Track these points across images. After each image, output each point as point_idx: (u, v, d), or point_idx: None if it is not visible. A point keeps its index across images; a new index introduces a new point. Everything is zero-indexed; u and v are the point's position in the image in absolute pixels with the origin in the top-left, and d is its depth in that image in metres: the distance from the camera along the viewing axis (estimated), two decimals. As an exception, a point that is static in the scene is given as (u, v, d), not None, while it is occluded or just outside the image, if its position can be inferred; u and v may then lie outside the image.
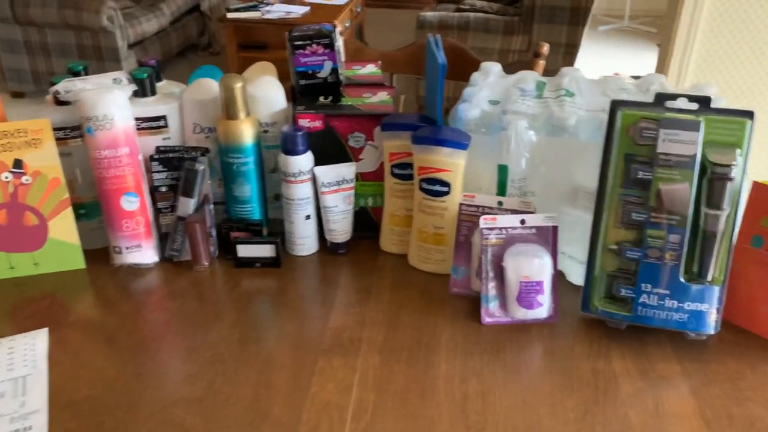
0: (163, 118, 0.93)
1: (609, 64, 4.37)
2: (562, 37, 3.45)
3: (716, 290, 0.77)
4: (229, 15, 3.66)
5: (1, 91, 3.85)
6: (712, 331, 0.78)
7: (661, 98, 0.78)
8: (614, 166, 0.79)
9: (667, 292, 0.77)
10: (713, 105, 0.77)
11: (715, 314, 0.77)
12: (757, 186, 0.77)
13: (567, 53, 3.50)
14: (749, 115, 0.76)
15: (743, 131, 0.76)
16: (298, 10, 3.75)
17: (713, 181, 0.75)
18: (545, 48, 1.48)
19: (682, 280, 0.76)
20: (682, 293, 0.77)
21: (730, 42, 1.86)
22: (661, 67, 1.98)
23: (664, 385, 0.74)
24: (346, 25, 3.85)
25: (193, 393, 0.73)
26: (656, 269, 0.77)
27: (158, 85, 0.97)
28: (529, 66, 1.49)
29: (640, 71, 4.17)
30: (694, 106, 0.77)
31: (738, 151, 0.75)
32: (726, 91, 1.95)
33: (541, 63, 1.49)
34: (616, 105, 0.79)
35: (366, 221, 1.00)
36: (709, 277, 0.77)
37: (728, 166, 0.74)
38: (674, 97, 0.79)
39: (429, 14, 3.49)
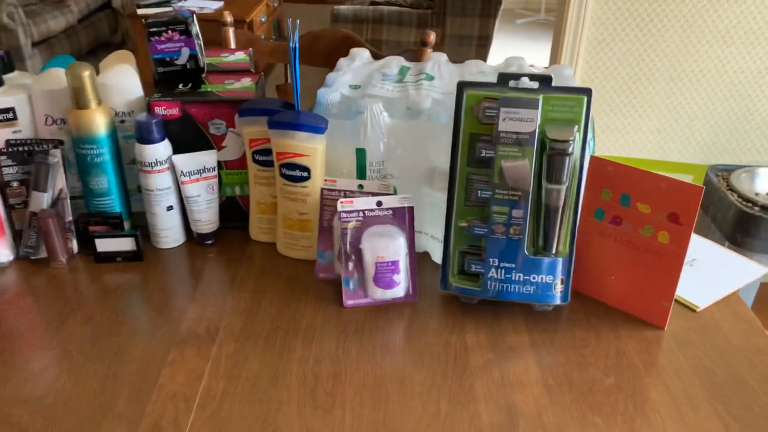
0: (11, 110, 0.89)
1: (526, 57, 4.47)
2: (475, 30, 3.52)
3: (560, 262, 0.79)
4: (140, 11, 3.56)
5: None
6: (558, 302, 0.80)
7: (505, 78, 0.80)
8: (462, 146, 0.80)
9: (513, 265, 0.79)
10: (564, 84, 0.80)
11: (561, 285, 0.80)
12: (595, 160, 0.80)
13: (480, 45, 3.56)
14: (587, 92, 0.79)
15: (581, 108, 0.78)
16: (211, 5, 3.68)
17: (552, 156, 0.77)
18: (432, 36, 1.50)
19: (527, 253, 0.79)
20: (527, 267, 0.79)
21: (617, 29, 1.93)
22: (554, 56, 2.04)
23: (512, 356, 0.76)
24: (262, 19, 3.80)
25: (35, 392, 0.71)
26: (502, 244, 0.79)
27: (9, 76, 0.93)
28: (417, 55, 1.51)
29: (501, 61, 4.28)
30: (535, 85, 0.79)
31: (576, 127, 0.78)
32: (615, 78, 2.03)
33: (428, 51, 1.50)
34: (462, 86, 0.80)
35: (235, 210, 0.98)
36: (554, 250, 0.79)
37: (566, 141, 0.77)
38: (517, 76, 0.81)
39: (343, 8, 3.49)
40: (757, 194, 1.96)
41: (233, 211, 0.98)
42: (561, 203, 0.78)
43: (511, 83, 0.80)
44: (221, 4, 3.76)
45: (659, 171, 0.77)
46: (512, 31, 5.07)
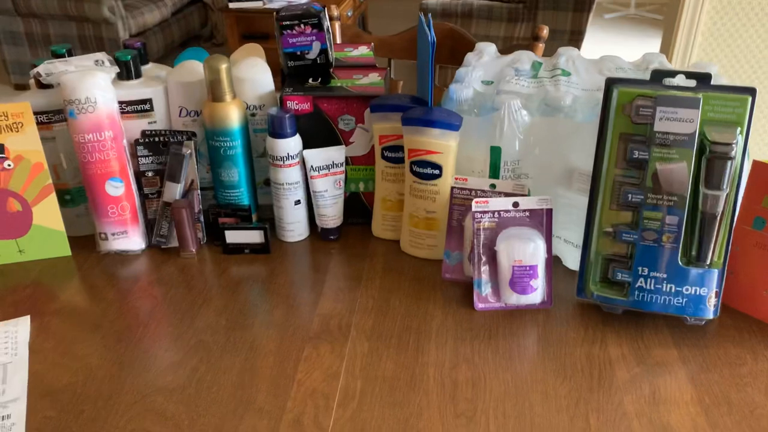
0: (149, 101, 0.91)
1: (615, 51, 4.31)
2: (567, 24, 3.41)
3: (715, 274, 0.74)
4: (231, 5, 3.63)
5: (4, 84, 3.84)
6: (711, 316, 0.75)
7: (659, 75, 0.75)
8: (610, 146, 0.76)
9: (665, 275, 0.74)
10: (713, 83, 0.74)
11: (714, 299, 0.75)
12: (757, 165, 0.74)
13: (572, 40, 3.46)
14: (750, 92, 0.73)
15: (744, 109, 0.73)
16: (300, 0, 3.72)
17: (712, 160, 0.72)
18: (545, 31, 1.45)
19: (680, 263, 0.74)
20: (680, 277, 0.74)
21: (735, 24, 1.82)
22: (666, 50, 1.94)
23: (661, 371, 0.72)
24: (348, 14, 3.81)
25: (176, 381, 0.71)
26: (653, 252, 0.74)
27: (144, 68, 0.95)
28: (529, 50, 1.46)
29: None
30: (693, 83, 0.74)
31: (738, 129, 0.72)
32: (731, 74, 1.91)
33: (541, 46, 1.46)
34: (611, 83, 0.76)
35: (358, 206, 0.97)
36: (708, 261, 0.74)
37: (728, 144, 0.71)
38: (672, 74, 0.76)
39: (432, 2, 3.45)
40: None
41: (356, 207, 0.97)
42: (719, 210, 0.73)
43: (666, 81, 0.75)
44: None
45: (831, 179, 0.71)
46: (600, 26, 4.91)
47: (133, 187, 0.90)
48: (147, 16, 3.85)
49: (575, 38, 3.47)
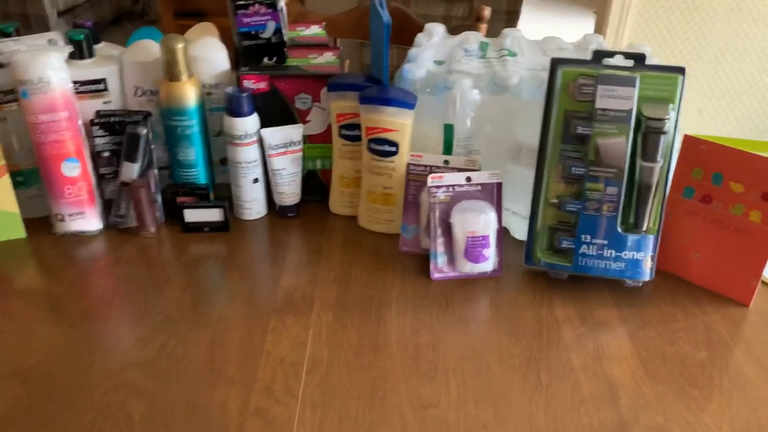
0: (103, 81, 0.90)
1: (549, 30, 4.43)
2: (503, 4, 3.48)
3: (651, 239, 0.81)
4: (165, -19, 3.53)
5: None
6: (647, 278, 0.82)
7: (599, 55, 0.81)
8: (555, 122, 0.81)
9: (606, 242, 0.80)
10: (647, 63, 0.80)
11: (650, 262, 0.81)
12: (688, 139, 0.81)
13: (508, 20, 3.53)
14: (681, 71, 0.80)
15: (675, 86, 0.79)
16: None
17: (648, 134, 0.78)
18: (487, 11, 1.50)
19: (619, 230, 0.80)
20: (619, 243, 0.80)
21: (663, 8, 1.92)
22: (599, 30, 2.03)
23: (604, 329, 0.78)
24: (287, -9, 3.77)
25: (146, 355, 0.73)
26: (595, 221, 0.80)
27: (96, 47, 0.94)
28: (472, 30, 1.51)
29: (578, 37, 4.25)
30: (630, 63, 0.80)
31: (671, 105, 0.79)
32: (659, 57, 2.02)
33: (484, 27, 1.50)
34: (556, 63, 0.81)
35: (315, 184, 1.00)
36: (644, 227, 0.81)
37: (662, 120, 0.78)
38: (611, 54, 0.81)
39: (371, -19, 3.45)
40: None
41: (313, 185, 1.00)
42: (654, 181, 0.79)
43: (605, 61, 0.81)
44: (247, -25, 3.72)
45: (750, 150, 0.78)
46: (535, 5, 5.02)
47: (89, 167, 0.90)
48: (76, -8, 3.70)
49: (511, 18, 3.55)
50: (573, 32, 4.41)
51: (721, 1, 1.90)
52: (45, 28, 3.50)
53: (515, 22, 3.56)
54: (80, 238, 0.92)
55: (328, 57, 0.96)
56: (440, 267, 0.86)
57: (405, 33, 1.58)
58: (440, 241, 0.85)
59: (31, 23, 3.53)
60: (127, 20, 4.45)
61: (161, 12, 3.68)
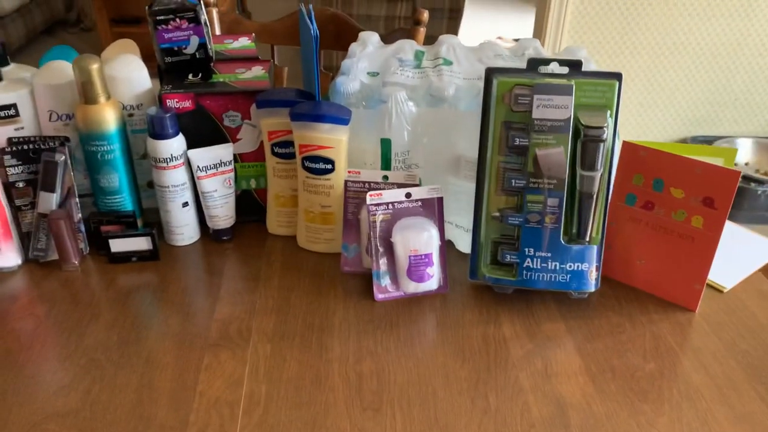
0: (13, 106, 0.84)
1: (492, 28, 4.45)
2: (446, 2, 3.47)
3: (594, 249, 0.79)
4: (97, -13, 3.40)
5: None
6: (592, 289, 0.80)
7: (534, 63, 0.79)
8: (492, 133, 0.79)
9: (549, 254, 0.78)
10: (584, 68, 0.79)
11: (595, 272, 0.80)
12: (627, 146, 0.80)
13: (451, 18, 3.53)
14: (617, 76, 0.78)
15: (612, 93, 0.77)
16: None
17: (586, 143, 0.76)
18: (425, 15, 1.47)
19: (562, 241, 0.78)
20: (563, 255, 0.79)
21: (600, 3, 1.93)
22: (539, 29, 2.03)
23: (551, 345, 0.76)
24: (226, -5, 3.68)
25: (68, 405, 0.68)
26: (538, 233, 0.78)
27: (5, 70, 0.87)
28: (410, 34, 1.48)
29: (523, 34, 4.28)
30: (565, 70, 0.78)
31: (608, 112, 0.77)
32: (599, 51, 2.03)
33: (422, 30, 1.48)
34: (491, 72, 0.78)
35: (250, 204, 0.95)
36: (588, 237, 0.79)
37: (600, 128, 0.76)
38: (547, 62, 0.79)
39: (312, -18, 3.40)
40: (735, 164, 2.00)
41: (249, 205, 0.95)
42: (595, 190, 0.78)
43: (541, 69, 0.79)
44: (183, -21, 3.62)
45: (689, 155, 0.77)
46: (478, 2, 5.04)
47: (3, 200, 0.83)
48: (2, 2, 3.54)
49: (454, 16, 3.54)
50: (515, 29, 4.45)
51: (657, -4, 1.92)
52: (-29, 39, 3.34)
53: (458, 20, 3.56)
54: (-3, 275, 0.86)
55: (257, 71, 0.92)
56: (383, 287, 0.83)
57: (344, 38, 1.54)
58: (382, 260, 0.82)
59: (-46, 35, 3.36)
60: (61, 29, 4.29)
61: (96, 19, 3.55)
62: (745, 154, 2.06)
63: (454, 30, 3.53)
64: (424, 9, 1.47)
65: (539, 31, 2.03)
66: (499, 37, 4.43)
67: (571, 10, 1.93)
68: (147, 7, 0.88)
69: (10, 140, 0.84)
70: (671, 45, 2.01)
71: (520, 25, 4.55)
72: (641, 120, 2.15)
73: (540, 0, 2.05)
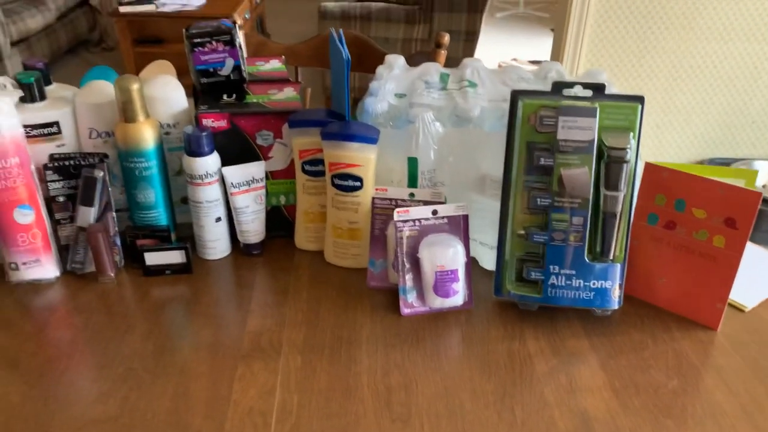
0: (56, 124, 0.88)
1: (507, 50, 4.50)
2: (462, 25, 3.52)
3: (618, 268, 0.81)
4: (122, 9, 3.49)
5: None
6: (615, 306, 0.82)
7: (559, 86, 0.81)
8: (518, 154, 0.81)
9: (573, 272, 0.80)
10: (606, 91, 0.81)
11: (618, 290, 0.82)
12: (650, 167, 0.82)
13: (467, 41, 3.58)
14: (640, 100, 0.80)
15: (635, 115, 0.80)
16: (194, 2, 3.63)
17: (610, 164, 0.78)
18: (446, 38, 1.51)
19: (586, 260, 0.80)
20: (587, 272, 0.80)
21: (618, 27, 1.96)
22: (557, 52, 2.06)
23: (576, 360, 0.78)
24: (246, 16, 3.76)
25: (107, 412, 0.70)
26: (562, 251, 0.80)
27: (48, 88, 0.91)
28: (431, 56, 1.52)
29: (537, 56, 4.32)
30: (589, 93, 0.81)
31: (631, 134, 0.79)
32: (616, 74, 2.06)
33: (443, 53, 1.51)
34: (516, 95, 0.81)
35: (279, 220, 0.98)
36: (611, 256, 0.81)
37: (623, 149, 0.78)
38: (571, 85, 0.82)
39: (330, 4, 3.47)
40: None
41: (278, 221, 0.98)
42: (619, 209, 0.80)
43: (565, 91, 0.82)
44: (204, 1, 3.71)
45: (711, 176, 0.79)
46: (493, 25, 5.10)
47: (44, 213, 0.87)
48: (29, 21, 3.63)
49: (470, 38, 3.59)
50: (531, 52, 4.49)
51: (674, 19, 1.95)
52: (-2, 59, 3.43)
53: (474, 43, 3.61)
54: (36, 286, 0.89)
55: (288, 93, 0.95)
56: (410, 302, 0.85)
57: (366, 60, 1.58)
58: (409, 276, 0.84)
59: (-18, 54, 3.45)
60: (84, 49, 4.38)
61: (119, 39, 3.63)
62: (762, 176, 2.06)
63: (470, 52, 3.58)
64: (442, 33, 1.50)
65: (557, 54, 2.06)
66: (514, 59, 4.48)
67: (589, 33, 1.96)
68: (184, 30, 0.91)
69: (51, 156, 0.87)
70: (688, 68, 2.03)
71: (535, 47, 4.59)
72: (658, 142, 2.17)
73: (558, 23, 2.08)
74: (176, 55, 1.02)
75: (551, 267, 0.81)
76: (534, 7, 5.38)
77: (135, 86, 0.84)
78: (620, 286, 0.82)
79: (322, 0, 3.70)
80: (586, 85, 0.81)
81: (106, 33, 4.41)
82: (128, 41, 3.56)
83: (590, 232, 0.80)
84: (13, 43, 3.54)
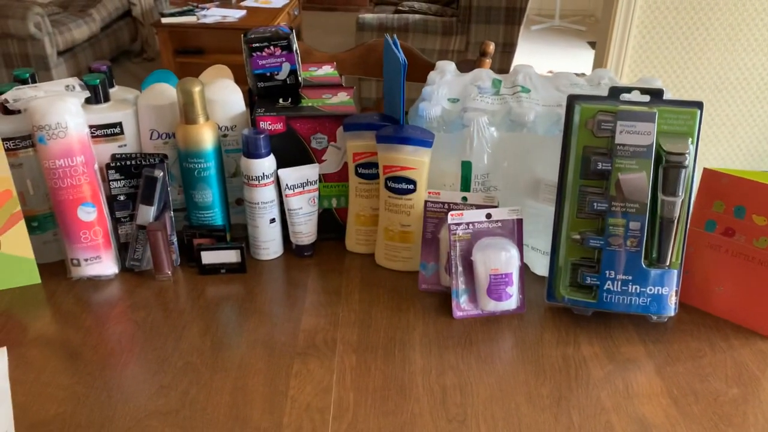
0: (119, 125, 0.90)
1: (543, 62, 4.49)
2: (499, 37, 3.53)
3: (674, 274, 0.80)
4: (164, 20, 3.58)
5: None
6: (672, 313, 0.81)
7: (616, 92, 0.81)
8: (574, 158, 0.81)
9: (630, 277, 0.80)
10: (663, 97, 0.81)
11: (674, 297, 0.81)
12: (708, 173, 0.81)
13: (505, 52, 3.58)
14: (699, 105, 0.80)
15: (694, 121, 0.79)
16: (234, 14, 3.70)
17: (668, 169, 0.78)
18: (491, 47, 1.51)
19: (643, 265, 0.80)
20: (643, 278, 0.80)
21: (663, 38, 1.94)
22: (599, 63, 2.05)
23: (631, 366, 0.77)
24: (285, 28, 3.82)
25: (169, 404, 0.71)
26: (618, 256, 0.80)
27: (110, 91, 0.94)
28: (476, 65, 1.52)
29: (573, 68, 4.30)
30: (646, 98, 0.81)
31: (690, 140, 0.79)
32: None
33: (488, 62, 1.52)
34: (573, 99, 0.81)
35: (330, 222, 0.99)
36: (668, 262, 0.80)
37: (682, 154, 0.78)
38: (628, 90, 0.82)
39: (368, 16, 3.50)
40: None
41: (329, 223, 0.99)
42: (676, 215, 0.79)
43: (623, 96, 0.81)
44: (244, 13, 3.78)
45: (771, 183, 0.78)
46: (528, 38, 5.09)
47: (105, 211, 0.89)
48: (75, 32, 3.74)
49: (508, 50, 3.60)
50: (566, 64, 4.46)
51: (719, 31, 1.92)
52: (45, 67, 3.53)
53: (512, 54, 3.61)
54: (96, 282, 0.91)
55: (342, 97, 0.96)
56: (462, 305, 0.85)
57: (410, 69, 1.59)
58: (462, 279, 0.85)
59: (31, 64, 3.55)
60: (126, 59, 4.49)
61: (160, 49, 3.71)
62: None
63: (507, 64, 3.59)
64: (488, 42, 1.50)
65: (599, 66, 2.05)
66: (550, 72, 4.48)
67: (632, 45, 1.95)
68: (243, 35, 0.94)
69: (113, 156, 0.90)
70: (734, 80, 2.00)
71: (571, 60, 4.58)
72: (702, 155, 2.14)
73: (600, 35, 2.08)
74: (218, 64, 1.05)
75: (607, 272, 0.80)
76: (570, 20, 5.36)
77: (197, 89, 0.87)
78: (676, 292, 0.81)
79: (358, 12, 3.74)
80: (643, 90, 0.81)
81: (147, 43, 4.52)
82: (169, 51, 3.64)
83: (647, 237, 0.80)
84: (60, 53, 3.64)
